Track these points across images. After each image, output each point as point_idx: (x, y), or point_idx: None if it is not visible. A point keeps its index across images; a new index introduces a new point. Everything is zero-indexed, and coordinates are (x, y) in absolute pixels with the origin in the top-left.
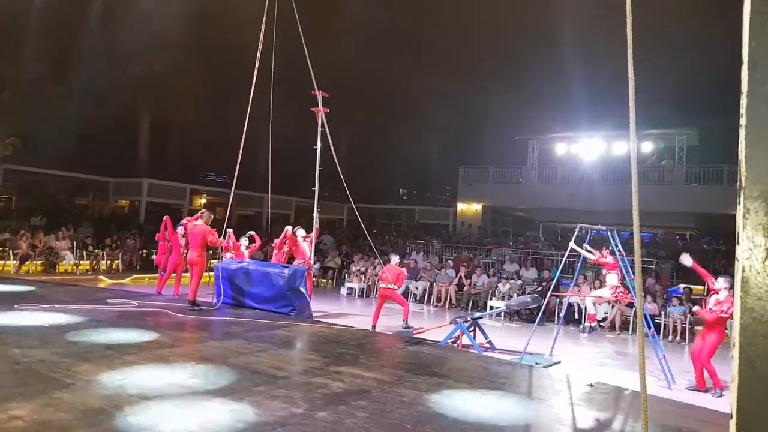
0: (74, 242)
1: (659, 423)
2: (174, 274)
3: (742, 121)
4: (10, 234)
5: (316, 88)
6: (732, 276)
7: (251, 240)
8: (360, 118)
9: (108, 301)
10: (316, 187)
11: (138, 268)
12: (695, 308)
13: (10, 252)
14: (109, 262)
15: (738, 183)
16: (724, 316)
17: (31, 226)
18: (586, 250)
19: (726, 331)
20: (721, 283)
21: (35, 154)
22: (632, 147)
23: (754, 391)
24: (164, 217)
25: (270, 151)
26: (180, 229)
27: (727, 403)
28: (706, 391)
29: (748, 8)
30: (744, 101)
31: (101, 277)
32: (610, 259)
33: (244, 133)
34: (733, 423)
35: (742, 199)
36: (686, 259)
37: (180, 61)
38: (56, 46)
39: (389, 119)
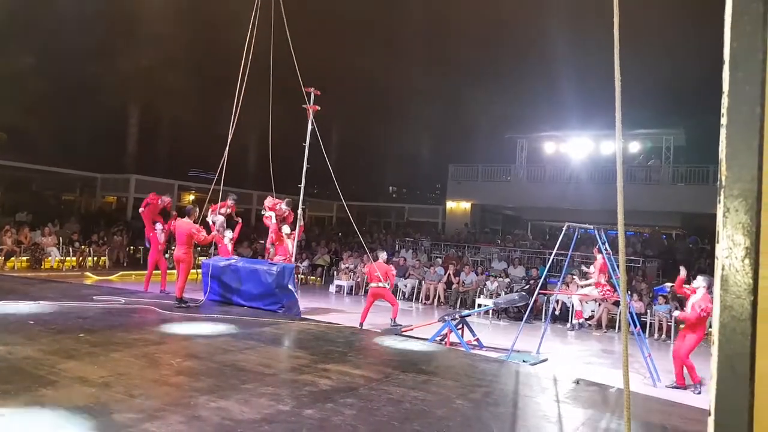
0: (60, 238)
1: (644, 420)
2: (158, 271)
3: (723, 120)
4: None
5: (302, 84)
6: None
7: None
8: (349, 116)
9: (94, 298)
10: (302, 185)
11: (125, 264)
12: (676, 313)
13: None
14: (95, 258)
15: (719, 182)
16: (704, 315)
17: (17, 222)
18: (586, 278)
19: (708, 329)
20: (699, 281)
21: (21, 148)
22: (618, 146)
23: (732, 388)
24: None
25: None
26: (158, 226)
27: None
28: (685, 387)
29: (729, 8)
30: (725, 101)
31: (87, 273)
32: (600, 259)
33: (232, 128)
34: (711, 420)
35: (722, 197)
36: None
37: (169, 56)
38: (43, 41)
39: (378, 117)
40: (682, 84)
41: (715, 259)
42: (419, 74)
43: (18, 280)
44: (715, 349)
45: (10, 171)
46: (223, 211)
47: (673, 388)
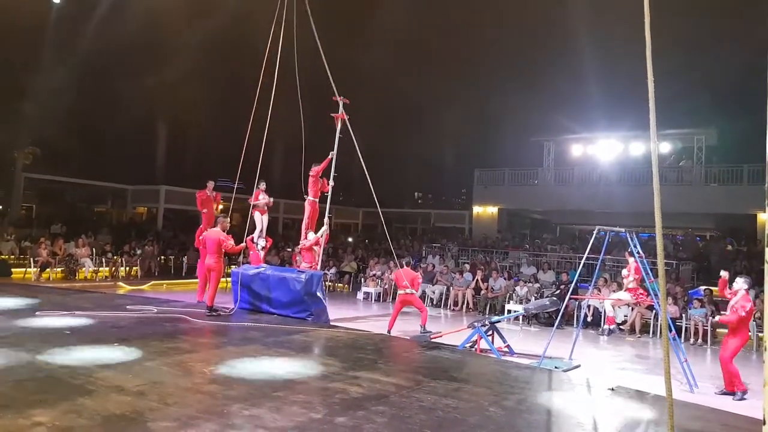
0: (93, 249)
1: (682, 427)
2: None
3: None
4: (31, 242)
5: (337, 93)
6: (752, 277)
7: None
8: (375, 122)
9: (127, 307)
10: (329, 193)
11: (156, 274)
12: (716, 318)
13: (31, 259)
14: (127, 268)
15: (766, 185)
16: (743, 314)
17: (51, 234)
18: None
19: (749, 333)
20: (739, 284)
21: (54, 162)
22: (653, 148)
23: None
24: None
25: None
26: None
27: (751, 406)
28: (734, 393)
29: None
30: None
31: (120, 283)
32: (632, 263)
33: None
34: (766, 429)
35: None
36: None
37: (198, 69)
38: (75, 57)
39: (404, 123)
40: (714, 82)
41: (766, 265)
42: (444, 79)
43: (54, 290)
44: (767, 356)
45: (44, 184)
46: (261, 201)
47: (722, 394)
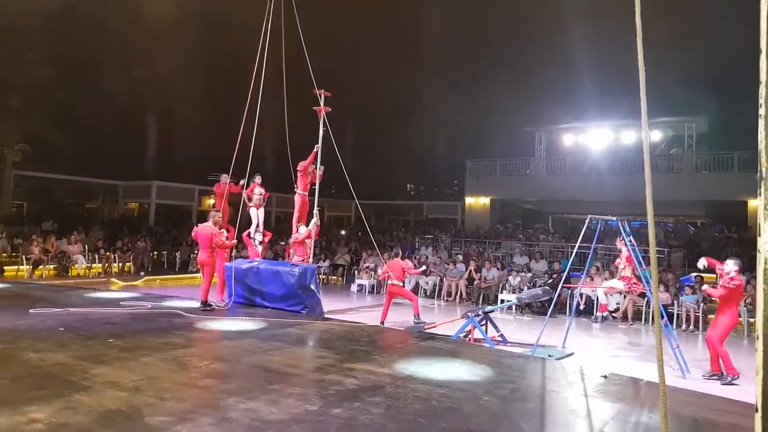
0: (86, 246)
1: (674, 413)
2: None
3: (762, 111)
4: (23, 239)
5: (316, 87)
6: (743, 260)
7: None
8: (365, 114)
9: (121, 303)
10: (317, 186)
11: (149, 270)
12: (704, 287)
13: (23, 257)
14: (120, 264)
15: (758, 174)
16: (730, 286)
17: (43, 231)
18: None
19: (739, 317)
20: (730, 265)
21: (44, 159)
22: (644, 136)
23: None
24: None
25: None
26: (224, 232)
27: (741, 391)
28: (720, 375)
29: None
30: (763, 91)
31: (113, 279)
32: (624, 251)
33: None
34: (758, 417)
35: (762, 189)
36: (702, 262)
37: (188, 63)
38: (63, 52)
39: (395, 115)
40: (704, 70)
41: (757, 253)
42: (435, 70)
43: (47, 288)
44: (759, 344)
45: (35, 181)
46: (257, 194)
47: (709, 377)
